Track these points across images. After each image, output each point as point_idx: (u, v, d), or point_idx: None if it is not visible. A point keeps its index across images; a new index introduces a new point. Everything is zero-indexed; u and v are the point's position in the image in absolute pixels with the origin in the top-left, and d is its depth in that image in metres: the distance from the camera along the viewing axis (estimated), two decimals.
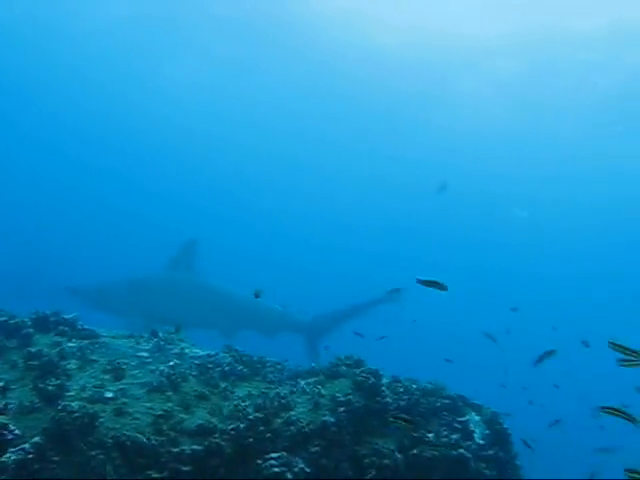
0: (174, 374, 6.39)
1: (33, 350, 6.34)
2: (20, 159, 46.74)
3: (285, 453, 5.54)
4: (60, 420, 5.15)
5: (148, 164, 49.33)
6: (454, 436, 6.42)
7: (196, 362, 6.96)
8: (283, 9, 28.73)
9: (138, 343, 7.31)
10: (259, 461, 5.43)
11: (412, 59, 30.97)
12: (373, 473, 5.70)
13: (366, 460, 5.76)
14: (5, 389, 5.78)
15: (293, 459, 5.52)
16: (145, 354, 6.99)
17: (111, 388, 6.05)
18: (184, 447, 5.36)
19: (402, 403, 6.46)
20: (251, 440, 5.58)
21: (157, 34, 31.73)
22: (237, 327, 15.13)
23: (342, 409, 6.07)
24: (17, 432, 5.11)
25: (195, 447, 5.38)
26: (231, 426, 5.65)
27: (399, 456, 5.90)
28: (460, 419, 6.65)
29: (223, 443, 5.47)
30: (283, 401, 6.14)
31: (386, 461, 5.78)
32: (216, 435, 5.56)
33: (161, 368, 6.55)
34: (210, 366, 6.88)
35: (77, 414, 5.22)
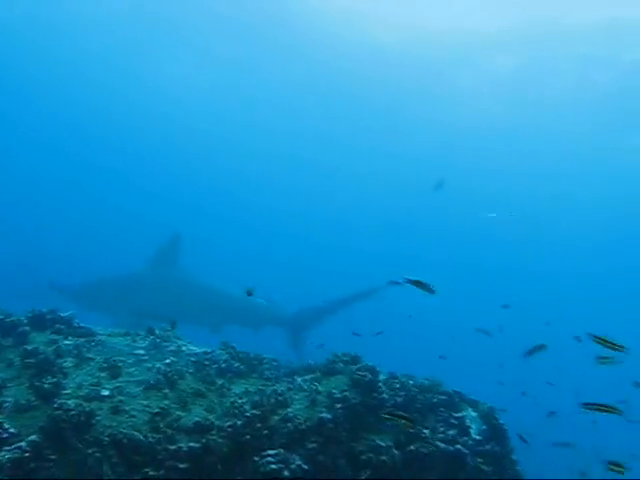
0: (170, 371, 6.38)
1: (29, 348, 6.33)
2: (20, 157, 46.69)
3: (282, 450, 5.54)
4: (56, 418, 5.14)
5: (148, 163, 49.34)
6: (451, 432, 6.43)
7: (192, 359, 6.96)
8: (283, 8, 28.80)
9: (134, 341, 7.28)
10: (256, 458, 5.43)
11: (411, 56, 31.01)
12: (370, 470, 5.71)
13: (363, 457, 5.77)
14: (1, 387, 5.77)
15: (290, 456, 5.52)
16: (141, 352, 6.97)
17: (107, 386, 6.03)
18: (181, 444, 5.36)
19: (399, 399, 6.47)
20: (248, 437, 5.58)
21: (157, 33, 31.84)
22: (222, 321, 15.19)
23: (339, 406, 6.08)
24: (13, 431, 5.10)
25: (192, 444, 5.38)
26: (228, 423, 5.65)
27: (396, 452, 5.91)
28: (457, 415, 6.66)
29: (220, 440, 5.47)
30: (280, 398, 6.14)
31: (383, 457, 5.79)
32: (213, 432, 5.56)
33: (157, 366, 6.54)
34: (207, 363, 6.88)
35: (73, 412, 5.21)
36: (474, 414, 6.91)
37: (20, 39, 33.75)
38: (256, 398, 6.05)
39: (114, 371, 6.35)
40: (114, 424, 5.42)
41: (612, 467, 5.37)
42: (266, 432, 5.67)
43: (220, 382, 6.54)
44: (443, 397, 6.77)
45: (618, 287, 45.37)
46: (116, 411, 5.63)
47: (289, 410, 6.02)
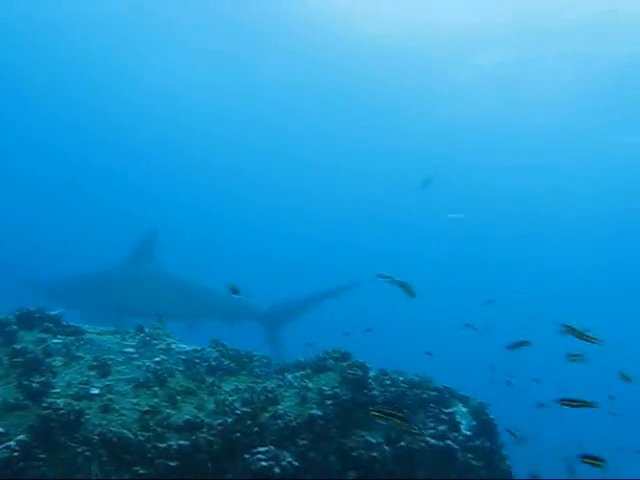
0: (160, 369, 6.36)
1: (18, 347, 6.29)
2: (19, 157, 46.51)
3: (273, 447, 5.54)
4: (46, 417, 5.12)
5: (146, 162, 49.21)
6: (441, 427, 6.45)
7: (182, 357, 6.94)
8: (280, 6, 28.77)
9: (124, 339, 7.26)
10: (247, 455, 5.43)
11: (407, 52, 30.96)
12: (361, 465, 5.72)
13: (354, 453, 5.78)
14: None
15: (281, 453, 5.52)
16: (131, 350, 6.95)
17: (97, 384, 6.01)
18: (171, 442, 5.34)
19: (389, 395, 6.48)
20: (239, 434, 5.57)
21: (155, 32, 31.85)
22: (197, 317, 15.21)
23: (329, 402, 6.08)
24: (1, 430, 5.07)
25: (182, 442, 5.37)
26: (218, 421, 5.65)
27: (387, 448, 5.92)
28: (447, 410, 6.68)
29: (210, 438, 5.46)
30: (270, 395, 6.14)
31: (374, 454, 5.80)
32: (203, 430, 5.55)
33: (147, 364, 6.52)
34: (197, 361, 6.86)
35: (63, 411, 5.19)
36: (464, 410, 6.94)
37: (19, 39, 33.76)
38: (246, 395, 6.05)
39: (103, 369, 6.33)
40: (104, 423, 5.40)
41: (589, 461, 5.36)
42: (256, 429, 5.67)
43: (210, 380, 6.53)
44: (433, 393, 6.78)
45: (614, 282, 45.66)
46: (106, 410, 5.61)
47: (279, 407, 6.02)
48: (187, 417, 5.66)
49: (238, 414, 5.71)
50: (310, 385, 6.44)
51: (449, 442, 6.30)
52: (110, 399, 5.76)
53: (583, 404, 5.69)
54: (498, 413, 6.96)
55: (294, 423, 5.82)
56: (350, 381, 6.33)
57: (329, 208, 51.12)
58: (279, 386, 6.50)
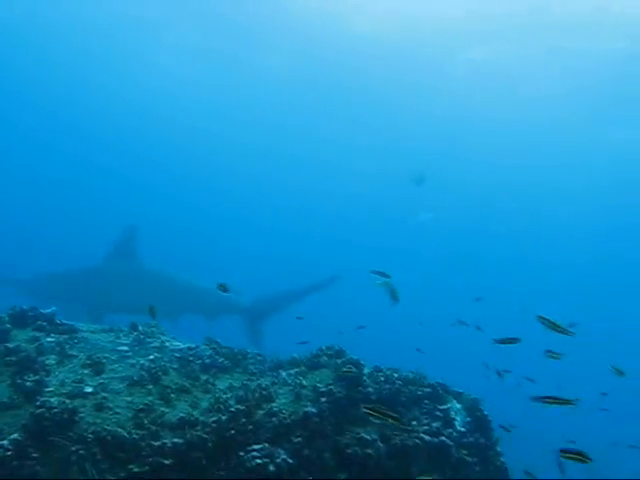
0: (154, 367, 6.35)
1: (11, 346, 6.26)
2: (18, 156, 46.42)
3: (267, 444, 5.54)
4: (39, 416, 5.10)
5: (147, 161, 49.13)
6: (435, 424, 6.46)
7: (177, 355, 6.93)
8: (275, 5, 28.84)
9: (118, 337, 7.25)
10: (241, 453, 5.42)
11: (398, 47, 30.98)
12: (356, 463, 5.73)
13: (348, 450, 5.78)
14: None
15: (275, 450, 5.52)
16: (125, 348, 6.94)
17: (91, 383, 5.99)
18: (165, 440, 5.34)
19: (384, 392, 6.48)
20: (233, 432, 5.57)
21: (155, 31, 31.83)
22: (179, 311, 15.22)
23: (324, 399, 6.08)
24: None
25: (176, 440, 5.36)
26: (213, 418, 5.64)
27: (381, 445, 5.93)
28: (441, 407, 6.69)
29: (205, 436, 5.45)
30: (264, 392, 6.13)
31: (369, 450, 5.81)
32: (198, 428, 5.54)
33: (141, 362, 6.51)
34: (191, 359, 6.86)
35: (56, 410, 5.18)
36: (458, 406, 6.95)
37: (19, 39, 33.78)
38: (241, 393, 6.04)
39: (97, 368, 6.31)
40: (98, 421, 5.38)
41: (572, 457, 5.29)
42: (251, 427, 5.66)
43: (204, 377, 6.52)
44: (427, 389, 6.79)
45: (610, 277, 45.79)
46: (100, 408, 5.59)
47: (274, 404, 6.01)
48: (181, 415, 5.65)
49: (232, 412, 5.71)
50: (304, 382, 6.44)
51: (443, 438, 6.31)
52: (104, 397, 5.75)
53: (565, 402, 5.69)
54: (492, 409, 6.98)
55: (288, 420, 5.82)
56: (344, 378, 6.33)
57: (327, 205, 51.08)
58: (273, 383, 6.50)
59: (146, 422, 5.49)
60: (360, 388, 6.32)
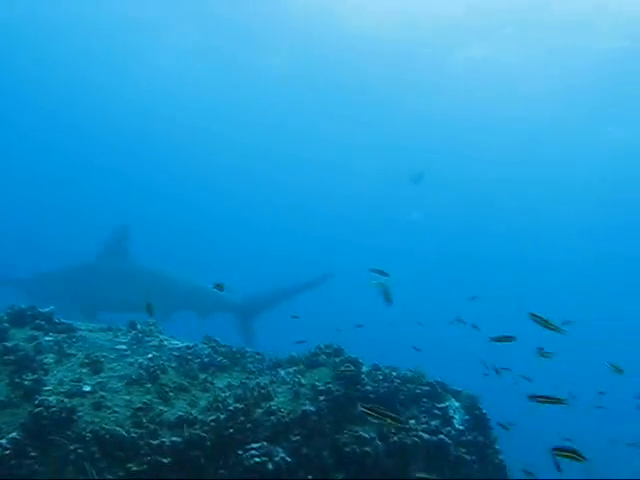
0: (153, 366, 6.35)
1: (9, 345, 6.25)
2: (18, 156, 46.42)
3: (266, 443, 5.54)
4: (37, 415, 5.10)
5: (146, 160, 49.15)
6: (434, 422, 6.46)
7: (175, 354, 6.92)
8: (273, 4, 28.85)
9: (116, 336, 7.24)
10: (240, 451, 5.42)
11: (396, 45, 30.97)
12: (354, 461, 5.73)
13: (347, 448, 5.78)
14: None
15: (274, 449, 5.52)
16: (123, 347, 6.93)
17: (89, 382, 5.99)
18: (164, 439, 5.34)
19: (382, 391, 6.48)
20: (231, 431, 5.57)
21: (154, 30, 31.83)
22: (171, 308, 15.23)
23: (322, 398, 6.08)
24: None
25: (175, 439, 5.36)
26: (211, 417, 5.64)
27: (380, 444, 5.93)
28: (440, 405, 6.69)
29: (203, 434, 5.45)
30: (263, 391, 6.13)
31: (367, 449, 5.81)
32: (196, 426, 5.54)
33: (140, 360, 6.51)
34: (189, 357, 6.85)
35: (55, 409, 5.18)
36: (457, 404, 6.95)
37: (19, 39, 33.81)
38: (239, 391, 6.04)
39: (96, 367, 6.31)
40: (96, 420, 5.39)
41: (565, 454, 5.31)
42: (249, 425, 5.66)
43: (203, 376, 6.52)
44: (426, 388, 6.79)
45: (609, 275, 45.85)
46: (98, 407, 5.60)
47: (272, 403, 6.02)
48: (180, 414, 5.65)
49: (231, 410, 5.71)
50: (303, 381, 6.44)
51: (442, 437, 6.31)
52: (102, 396, 5.75)
53: (557, 401, 5.72)
54: (490, 407, 6.98)
55: (287, 419, 5.82)
56: (343, 377, 6.33)
57: (325, 204, 51.08)
58: (272, 382, 6.50)
59: (144, 421, 5.49)
60: (358, 386, 6.32)
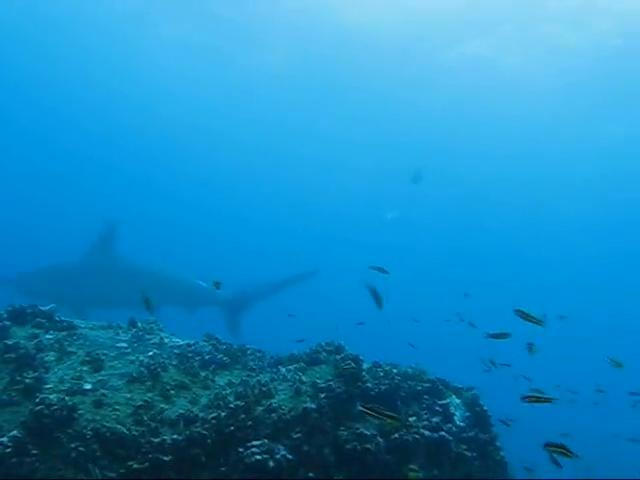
0: (154, 364, 6.34)
1: (10, 343, 6.24)
2: (18, 152, 46.39)
3: (267, 440, 5.53)
4: (38, 413, 5.10)
5: (146, 158, 49.12)
6: (435, 419, 6.46)
7: (176, 351, 6.92)
8: (270, 2, 28.87)
9: (117, 334, 7.23)
10: (241, 449, 5.42)
11: (393, 40, 30.97)
12: (355, 458, 5.73)
13: (348, 445, 5.78)
14: None
15: (275, 446, 5.52)
16: (124, 344, 6.93)
17: (90, 380, 5.99)
18: (165, 437, 5.33)
19: (383, 388, 6.48)
20: (232, 428, 5.57)
21: (154, 29, 31.79)
22: (158, 304, 15.24)
23: (323, 395, 6.08)
24: None
25: (176, 437, 5.36)
26: (212, 415, 5.64)
27: (381, 440, 5.93)
28: (441, 402, 6.69)
29: (204, 432, 5.45)
30: (264, 389, 6.13)
31: (368, 446, 5.81)
32: (197, 424, 5.54)
33: (140, 358, 6.51)
34: (190, 355, 6.85)
35: (55, 406, 5.17)
36: (458, 401, 6.95)
37: (19, 34, 33.78)
38: (240, 389, 6.04)
39: (96, 364, 6.30)
40: (97, 418, 5.38)
41: (556, 450, 5.35)
42: (250, 423, 5.66)
43: (204, 374, 6.52)
44: (427, 385, 6.79)
45: (607, 272, 45.87)
46: (99, 405, 5.59)
47: (273, 401, 6.01)
48: (181, 411, 5.65)
49: (232, 408, 5.71)
50: (304, 378, 6.43)
51: (443, 433, 6.31)
52: (103, 394, 5.74)
53: (547, 400, 5.78)
54: (491, 404, 6.99)
55: (288, 416, 5.82)
56: (344, 374, 6.33)
57: (324, 201, 51.08)
58: (273, 379, 6.50)
59: (145, 418, 5.49)
60: (359, 384, 6.32)
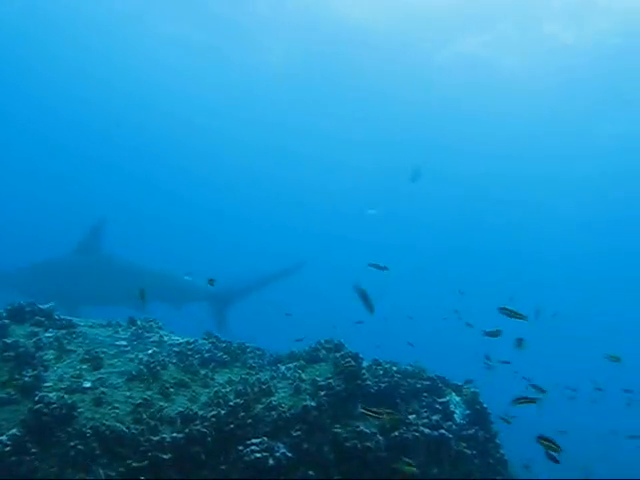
0: (153, 362, 6.33)
1: (9, 341, 6.22)
2: (18, 150, 46.36)
3: (266, 438, 5.53)
4: (38, 411, 5.09)
5: (146, 156, 49.09)
6: (435, 417, 6.46)
7: (175, 349, 6.91)
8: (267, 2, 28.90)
9: (116, 332, 7.22)
10: (240, 447, 5.42)
11: (391, 39, 30.98)
12: (355, 456, 5.73)
13: (347, 443, 5.78)
14: None
15: (275, 444, 5.51)
16: (123, 342, 6.91)
17: (89, 378, 5.97)
18: (164, 435, 5.33)
19: (383, 386, 6.48)
20: (232, 426, 5.56)
21: (153, 29, 31.76)
22: (147, 300, 15.28)
23: (323, 393, 6.07)
24: None
25: (175, 435, 5.35)
26: (212, 413, 5.63)
27: (381, 438, 5.93)
28: (440, 400, 6.69)
29: (204, 430, 5.44)
30: (264, 386, 6.12)
31: (368, 444, 5.80)
32: (197, 422, 5.53)
33: (140, 356, 6.49)
34: (189, 353, 6.84)
35: (55, 405, 5.16)
36: (458, 399, 6.95)
37: (19, 32, 33.74)
38: (240, 387, 6.03)
39: (96, 363, 6.29)
40: (96, 416, 5.37)
41: (543, 442, 5.52)
42: (250, 421, 5.65)
43: (203, 372, 6.51)
44: (427, 382, 6.79)
45: (606, 270, 45.90)
46: (98, 403, 5.58)
47: (273, 398, 6.01)
48: (180, 409, 5.64)
49: (231, 406, 5.70)
50: (303, 376, 6.43)
51: (443, 431, 6.31)
52: (103, 392, 5.73)
53: (531, 400, 5.94)
54: (492, 401, 6.99)
55: (288, 414, 5.81)
56: (343, 372, 6.33)
57: (322, 199, 51.07)
58: (272, 377, 6.49)
59: (145, 417, 5.48)
60: (359, 381, 6.31)
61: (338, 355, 6.61)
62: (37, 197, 44.30)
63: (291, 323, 15.88)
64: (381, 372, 6.62)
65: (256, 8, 29.52)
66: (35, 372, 5.77)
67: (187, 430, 5.40)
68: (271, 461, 5.35)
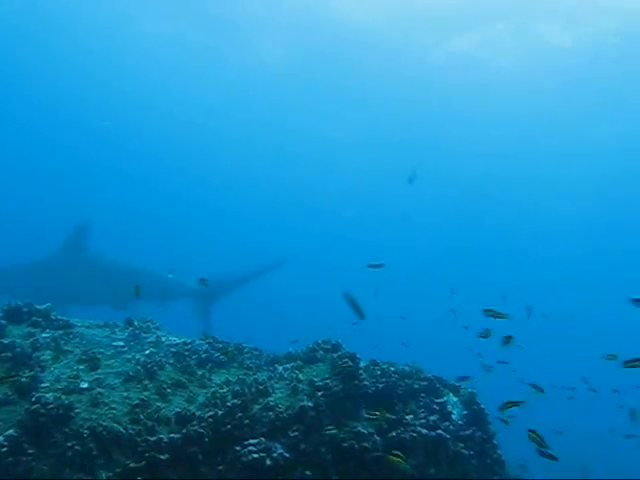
0: (150, 362, 6.33)
1: (5, 342, 6.22)
2: (17, 150, 46.32)
3: (264, 439, 5.52)
4: (35, 412, 5.08)
5: (143, 156, 49.04)
6: (432, 417, 6.46)
7: (172, 350, 6.90)
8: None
9: (113, 332, 7.22)
10: (238, 447, 5.41)
11: (390, 40, 30.97)
12: (352, 456, 5.72)
13: (345, 444, 5.77)
14: None
15: (272, 445, 5.51)
16: (120, 343, 6.91)
17: (86, 378, 5.97)
18: (162, 435, 5.32)
19: (380, 386, 6.47)
20: (229, 427, 5.55)
21: (153, 28, 31.77)
22: (129, 298, 15.33)
23: (320, 393, 6.07)
24: None
25: (173, 435, 5.34)
26: (209, 413, 5.62)
27: (378, 439, 5.92)
28: (438, 400, 6.69)
29: (201, 430, 5.44)
30: (261, 387, 6.12)
31: (365, 444, 5.80)
32: (194, 423, 5.53)
33: (137, 357, 6.49)
34: (187, 354, 6.83)
35: (52, 405, 5.16)
36: (455, 399, 6.95)
37: (17, 31, 33.72)
38: (237, 388, 6.02)
39: (93, 363, 6.28)
40: (93, 417, 5.37)
41: (532, 436, 5.65)
42: (247, 421, 5.65)
43: (200, 372, 6.50)
44: (424, 383, 6.79)
45: (605, 270, 45.92)
46: (95, 403, 5.57)
47: (270, 399, 6.00)
48: (177, 410, 5.64)
49: (229, 406, 5.69)
50: (301, 376, 6.42)
51: (440, 432, 6.31)
52: (100, 393, 5.72)
53: (516, 403, 6.07)
54: (490, 402, 6.99)
55: (285, 415, 5.81)
56: (341, 372, 6.32)
57: (320, 200, 51.07)
58: (270, 378, 6.49)
59: (142, 417, 5.47)
60: (356, 382, 6.31)
61: (335, 355, 6.60)
62: (34, 196, 44.28)
63: (288, 324, 15.94)
64: (378, 372, 6.62)
65: (253, 8, 29.55)
66: (32, 373, 5.76)
67: (184, 430, 5.40)
68: (268, 461, 5.34)
